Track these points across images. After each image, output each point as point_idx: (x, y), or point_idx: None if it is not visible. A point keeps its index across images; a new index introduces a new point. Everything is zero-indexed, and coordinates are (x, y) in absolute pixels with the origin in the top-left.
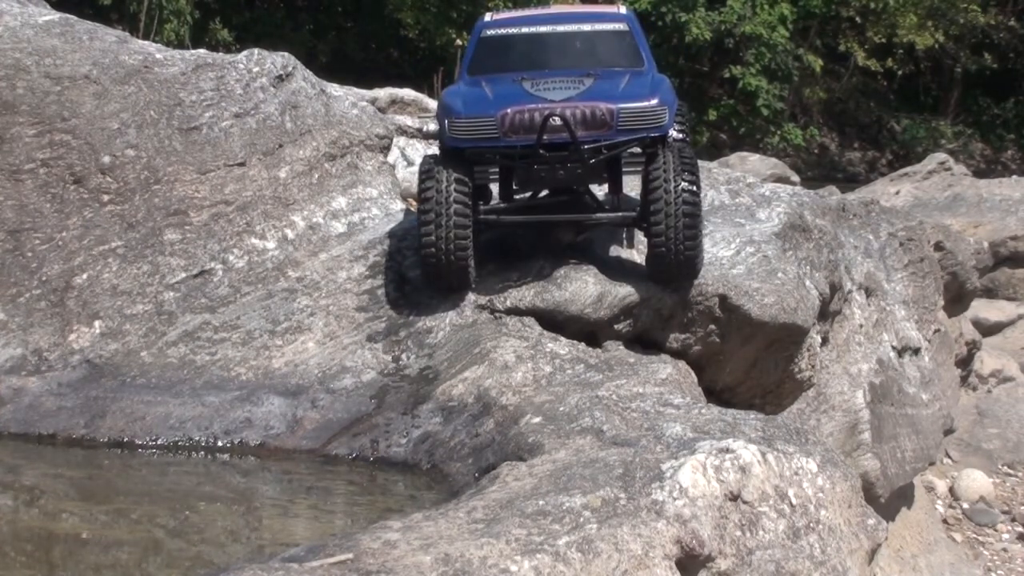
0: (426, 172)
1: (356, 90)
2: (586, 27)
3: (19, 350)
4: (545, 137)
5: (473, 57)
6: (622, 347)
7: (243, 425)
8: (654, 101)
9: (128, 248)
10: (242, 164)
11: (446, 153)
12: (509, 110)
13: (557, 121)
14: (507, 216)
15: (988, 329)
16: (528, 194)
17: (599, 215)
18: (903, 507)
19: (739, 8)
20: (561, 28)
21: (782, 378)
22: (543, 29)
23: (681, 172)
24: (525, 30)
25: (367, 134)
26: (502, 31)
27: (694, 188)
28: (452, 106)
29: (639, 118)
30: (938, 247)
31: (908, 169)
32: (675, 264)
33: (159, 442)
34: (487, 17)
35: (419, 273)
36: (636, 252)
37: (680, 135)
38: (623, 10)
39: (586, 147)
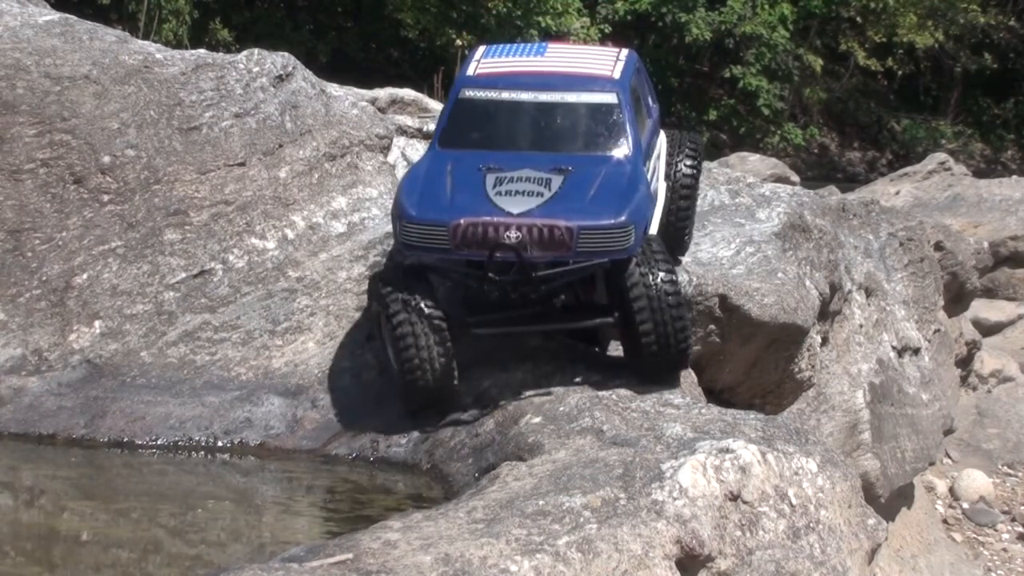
0: (390, 301)
1: (356, 90)
2: (571, 97)
3: (19, 350)
4: (497, 255)
5: (447, 125)
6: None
7: (243, 425)
8: (621, 218)
9: (128, 248)
10: (242, 164)
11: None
12: (462, 220)
13: (511, 239)
14: (478, 329)
15: (988, 329)
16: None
17: (576, 324)
18: (903, 507)
19: (739, 8)
20: (544, 97)
21: (782, 378)
22: (524, 97)
23: (657, 267)
24: (505, 96)
25: (367, 134)
26: (480, 94)
27: (673, 279)
28: (405, 206)
29: (601, 240)
30: (938, 247)
31: (908, 169)
32: (669, 361)
33: (159, 442)
34: (471, 68)
35: None
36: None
37: (690, 170)
38: (618, 71)
39: (537, 274)
